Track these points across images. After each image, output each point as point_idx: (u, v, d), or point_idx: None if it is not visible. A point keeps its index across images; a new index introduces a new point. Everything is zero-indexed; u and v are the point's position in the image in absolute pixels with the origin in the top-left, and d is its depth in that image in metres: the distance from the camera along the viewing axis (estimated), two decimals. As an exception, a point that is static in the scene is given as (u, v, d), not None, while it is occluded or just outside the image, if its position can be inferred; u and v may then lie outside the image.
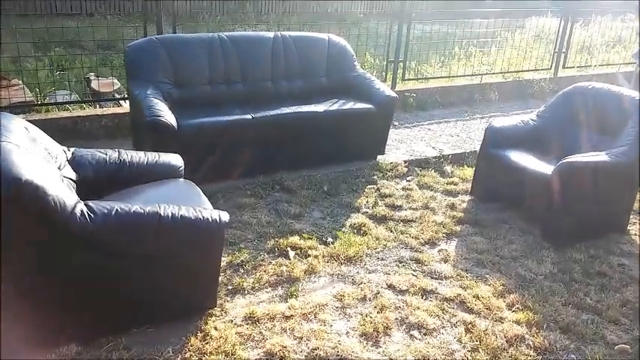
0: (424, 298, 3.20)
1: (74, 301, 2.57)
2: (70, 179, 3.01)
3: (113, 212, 2.49)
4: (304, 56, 5.18)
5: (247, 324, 2.90)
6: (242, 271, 3.37)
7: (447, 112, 6.75)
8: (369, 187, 4.66)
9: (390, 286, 3.28)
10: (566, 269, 3.59)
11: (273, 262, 3.48)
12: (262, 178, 4.55)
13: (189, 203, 2.85)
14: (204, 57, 4.77)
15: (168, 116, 4.05)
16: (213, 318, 2.92)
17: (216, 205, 4.01)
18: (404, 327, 2.95)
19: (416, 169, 5.10)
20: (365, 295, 3.18)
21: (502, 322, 3.02)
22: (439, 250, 3.75)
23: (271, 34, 5.14)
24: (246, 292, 3.19)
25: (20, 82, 5.83)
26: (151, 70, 4.53)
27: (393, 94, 4.95)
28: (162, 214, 2.56)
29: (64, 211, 2.35)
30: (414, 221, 4.13)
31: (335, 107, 4.77)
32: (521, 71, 7.73)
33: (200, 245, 2.71)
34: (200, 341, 2.74)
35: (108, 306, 2.67)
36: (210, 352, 2.67)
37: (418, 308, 3.08)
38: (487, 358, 2.75)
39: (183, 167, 3.46)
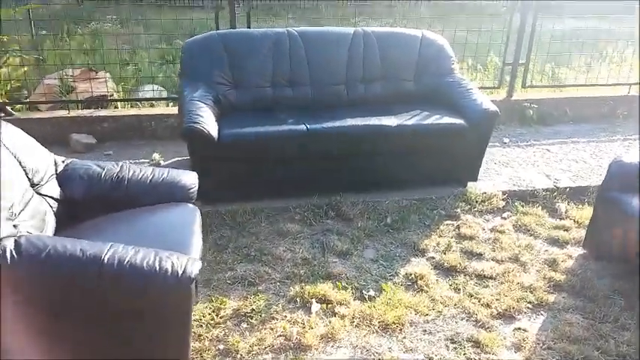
0: (469, 405, 2.29)
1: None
2: (51, 197, 2.58)
3: (43, 253, 1.96)
4: (388, 56, 4.36)
5: (220, 407, 2.24)
6: (246, 326, 2.73)
7: (577, 130, 5.48)
8: (447, 222, 3.75)
9: (426, 379, 2.41)
10: None
11: (289, 316, 2.79)
12: (317, 201, 3.85)
13: (170, 242, 2.26)
14: (269, 55, 4.18)
15: (207, 124, 3.52)
16: (182, 391, 2.29)
17: (258, 229, 3.47)
18: None
19: (517, 203, 4.07)
20: (386, 387, 2.36)
21: None
22: (515, 330, 2.78)
23: (351, 30, 4.39)
24: (239, 356, 2.53)
25: (108, 74, 5.71)
26: (207, 69, 4.05)
27: (493, 109, 3.94)
28: (105, 261, 1.99)
29: (-23, 251, 1.87)
30: (494, 279, 3.18)
31: (413, 121, 3.90)
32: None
33: (158, 303, 2.09)
34: (152, 423, 2.13)
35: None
36: None
37: (455, 421, 2.19)
38: None
39: (194, 188, 2.88)
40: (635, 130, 5.43)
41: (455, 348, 2.63)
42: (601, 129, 5.51)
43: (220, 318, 2.78)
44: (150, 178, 2.81)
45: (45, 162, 2.64)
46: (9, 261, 1.91)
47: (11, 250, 1.94)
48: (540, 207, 4.03)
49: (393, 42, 4.41)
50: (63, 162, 2.74)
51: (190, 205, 2.79)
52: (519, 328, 2.79)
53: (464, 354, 2.58)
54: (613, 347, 2.66)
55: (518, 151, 4.96)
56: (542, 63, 6.24)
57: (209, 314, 2.79)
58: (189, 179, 2.88)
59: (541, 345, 2.66)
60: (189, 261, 2.12)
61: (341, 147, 3.78)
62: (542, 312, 2.93)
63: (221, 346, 2.59)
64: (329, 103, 4.19)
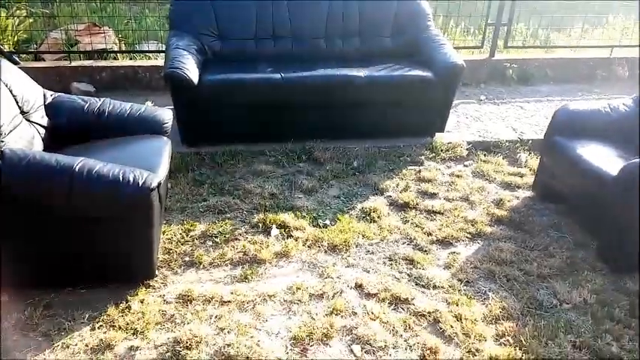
0: (392, 307, 2.65)
1: (3, 250, 2.49)
2: (38, 124, 2.95)
3: (24, 161, 2.34)
4: (367, 13, 4.61)
5: (177, 303, 2.63)
6: (210, 244, 3.09)
7: (555, 89, 5.68)
8: (410, 167, 4.05)
9: (359, 287, 2.77)
10: (608, 301, 2.75)
11: (250, 238, 3.14)
12: (291, 146, 4.18)
13: (139, 164, 2.61)
14: (252, 9, 4.46)
15: (188, 69, 3.84)
16: (147, 290, 2.69)
17: (234, 169, 3.80)
18: (347, 338, 2.45)
19: (480, 152, 4.34)
20: (324, 293, 2.72)
21: (474, 355, 2.37)
22: (450, 253, 3.10)
23: (332, -14, 4.63)
24: (202, 266, 2.91)
25: (110, 30, 6.05)
26: (193, 21, 4.35)
27: (459, 62, 4.18)
28: (76, 170, 2.36)
29: (-33, 156, 2.24)
30: (442, 214, 3.49)
31: (382, 73, 4.17)
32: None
33: (122, 209, 2.46)
34: (118, 312, 2.54)
35: (39, 261, 2.57)
36: (120, 327, 2.46)
37: (377, 319, 2.55)
38: (428, 399, 2.16)
39: (169, 123, 3.23)
40: (612, 91, 5.60)
41: (390, 264, 2.96)
42: (579, 89, 5.70)
43: (189, 237, 3.14)
44: (128, 112, 3.16)
45: (35, 94, 3.00)
46: (-5, 166, 2.28)
47: (-3, 158, 2.30)
48: (502, 156, 4.30)
49: (371, -1, 4.64)
50: (51, 95, 3.10)
51: (164, 138, 3.13)
52: (453, 252, 3.11)
53: (397, 269, 2.92)
54: (535, 269, 2.97)
55: (492, 108, 5.20)
56: (530, 25, 6.42)
57: (180, 234, 3.16)
58: (164, 115, 3.22)
59: (469, 264, 2.98)
60: (149, 175, 2.48)
61: (313, 95, 4.06)
62: (479, 241, 3.24)
63: (187, 259, 2.96)
64: (308, 56, 4.45)
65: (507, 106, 5.24)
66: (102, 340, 2.37)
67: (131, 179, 2.40)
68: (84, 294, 2.65)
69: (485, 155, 4.31)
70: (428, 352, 2.38)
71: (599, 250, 3.12)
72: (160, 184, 2.53)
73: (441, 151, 4.29)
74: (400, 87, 4.18)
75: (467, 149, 4.35)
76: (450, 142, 4.39)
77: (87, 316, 2.52)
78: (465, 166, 4.18)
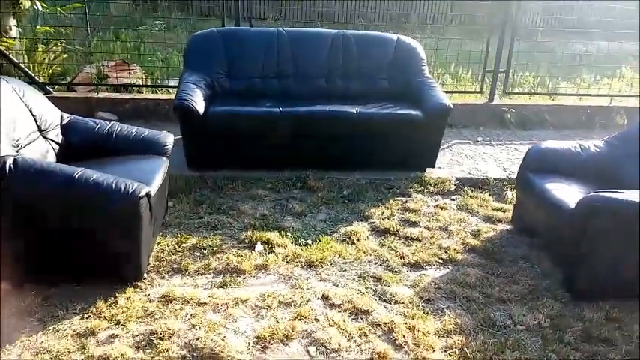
0: (352, 317, 2.87)
1: (6, 247, 2.84)
2: (54, 141, 3.35)
3: (33, 169, 2.71)
4: (365, 56, 4.99)
5: (159, 302, 2.91)
6: (198, 254, 3.39)
7: (552, 135, 5.89)
8: (397, 199, 4.31)
9: (325, 298, 3.01)
10: (562, 325, 2.91)
11: (235, 251, 3.43)
12: (287, 174, 4.50)
13: (135, 178, 2.96)
14: (260, 50, 4.89)
15: (195, 102, 4.24)
16: (134, 289, 2.99)
17: (233, 193, 4.13)
18: (306, 340, 2.69)
19: (467, 189, 4.57)
20: (292, 301, 2.97)
21: (421, 363, 2.57)
22: (419, 275, 3.32)
23: (333, 32, 5.05)
24: (187, 273, 3.20)
25: (137, 67, 6.60)
26: (205, 59, 4.80)
27: (447, 103, 4.49)
28: (75, 177, 2.72)
29: (-14, 162, 2.63)
30: (419, 240, 3.72)
31: (373, 110, 4.50)
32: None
33: (113, 213, 2.79)
34: (106, 306, 2.84)
35: (41, 257, 2.91)
36: (105, 317, 2.75)
37: (335, 325, 2.78)
38: (369, 396, 2.37)
39: (170, 145, 3.60)
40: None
41: (359, 280, 3.19)
42: (576, 134, 5.89)
43: (180, 248, 3.45)
44: (133, 134, 3.55)
45: (53, 115, 3.42)
46: (7, 171, 2.66)
47: (10, 165, 2.69)
48: (489, 193, 4.52)
49: (370, 44, 5.04)
50: (67, 117, 3.52)
51: (163, 158, 3.50)
52: (422, 274, 3.32)
53: (364, 285, 3.15)
54: (496, 293, 3.16)
55: (487, 149, 5.44)
56: (542, 72, 6.69)
57: (172, 245, 3.47)
58: (165, 138, 3.60)
59: (433, 285, 3.19)
60: (139, 185, 2.82)
61: (308, 128, 4.40)
62: (449, 266, 3.45)
63: (175, 266, 3.26)
64: (310, 94, 4.83)
65: (502, 148, 5.48)
66: (88, 327, 2.67)
67: (122, 187, 2.75)
68: (79, 289, 2.96)
69: (472, 191, 4.53)
70: (377, 356, 2.59)
71: (563, 281, 3.28)
72: (149, 194, 2.87)
73: (430, 185, 4.54)
74: (390, 123, 4.49)
75: (455, 184, 4.59)
76: (440, 177, 4.64)
77: (79, 307, 2.82)
78: (451, 200, 4.42)
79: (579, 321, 2.96)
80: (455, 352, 2.64)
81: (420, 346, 2.67)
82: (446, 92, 5.87)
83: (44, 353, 2.50)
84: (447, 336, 2.77)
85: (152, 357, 2.52)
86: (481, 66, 5.92)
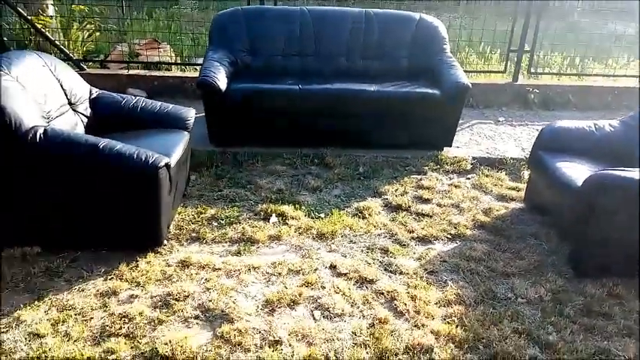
0: (357, 285, 3.01)
1: (38, 211, 3.07)
2: (83, 114, 3.56)
3: (60, 137, 2.92)
4: (386, 35, 5.05)
5: (177, 266, 3.10)
6: (216, 224, 3.57)
7: (575, 115, 5.83)
8: (412, 176, 4.40)
9: (332, 267, 3.15)
10: (564, 300, 2.98)
11: (251, 222, 3.59)
12: (306, 151, 4.63)
13: (157, 149, 3.14)
14: (282, 28, 4.99)
15: (218, 79, 4.39)
16: (155, 255, 3.19)
17: (253, 168, 4.30)
18: (312, 305, 2.84)
19: (484, 168, 4.62)
20: (301, 269, 3.12)
21: (419, 329, 2.69)
22: (426, 249, 3.42)
23: (356, 10, 5.11)
24: (205, 242, 3.39)
25: (168, 46, 6.80)
26: (229, 37, 4.93)
27: (465, 82, 4.52)
28: (100, 147, 2.91)
29: (19, 130, 2.84)
30: (430, 217, 3.81)
31: (391, 88, 4.57)
32: None
33: (134, 181, 2.98)
34: (128, 269, 3.04)
35: (69, 222, 3.13)
36: (127, 279, 2.96)
37: (340, 293, 2.92)
38: (367, 358, 2.51)
39: (192, 120, 3.77)
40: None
41: (367, 252, 3.32)
42: (600, 115, 5.80)
43: (200, 218, 3.63)
44: (158, 109, 3.72)
45: (82, 90, 3.63)
46: (37, 140, 2.86)
47: (41, 134, 2.89)
48: (505, 172, 4.57)
49: (391, 23, 5.08)
50: (96, 91, 3.72)
51: (184, 132, 3.67)
52: (429, 248, 3.43)
53: (371, 256, 3.28)
54: (500, 267, 3.24)
55: (508, 129, 5.45)
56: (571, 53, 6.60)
57: (192, 215, 3.66)
58: (188, 113, 3.77)
59: (438, 258, 3.30)
60: (159, 156, 3.00)
61: (327, 105, 4.51)
62: (457, 241, 3.54)
63: (194, 235, 3.45)
64: (330, 72, 4.92)
65: (523, 128, 5.47)
66: (110, 287, 2.88)
67: (143, 157, 2.93)
68: (104, 254, 3.17)
69: (488, 170, 4.58)
70: (377, 321, 2.72)
71: (569, 257, 3.34)
72: (168, 165, 3.04)
73: (446, 164, 4.61)
74: (407, 102, 4.55)
75: (471, 164, 4.64)
76: (456, 157, 4.70)
77: (102, 270, 3.04)
78: (467, 178, 4.48)
79: (581, 296, 3.02)
80: (454, 321, 2.75)
81: (420, 313, 2.79)
82: (469, 72, 5.94)
83: (69, 310, 2.72)
84: (448, 305, 2.88)
85: (168, 316, 2.71)
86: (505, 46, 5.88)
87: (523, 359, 2.54)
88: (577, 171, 3.36)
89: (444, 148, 4.80)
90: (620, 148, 3.63)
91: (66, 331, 2.57)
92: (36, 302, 2.75)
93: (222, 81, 4.41)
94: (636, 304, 2.99)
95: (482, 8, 10.96)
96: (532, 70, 6.08)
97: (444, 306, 2.88)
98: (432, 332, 2.67)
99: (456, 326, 2.71)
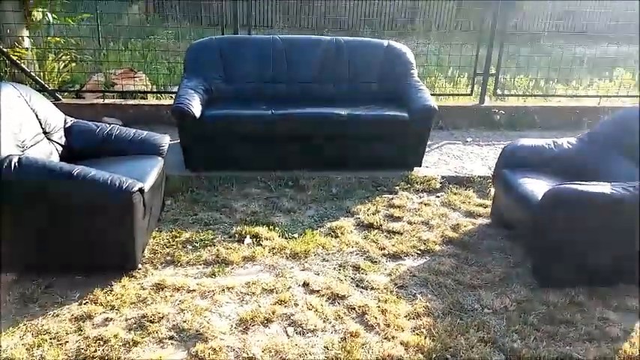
0: (329, 302, 3.09)
1: (15, 236, 3.10)
2: (57, 142, 3.63)
3: (35, 166, 2.98)
4: (356, 61, 5.22)
5: (152, 289, 3.16)
6: (190, 247, 3.63)
7: (540, 134, 6.04)
8: (384, 196, 4.52)
9: (305, 285, 3.23)
10: (528, 309, 3.10)
11: (225, 244, 3.66)
12: (280, 174, 4.73)
13: (131, 175, 3.21)
14: (255, 56, 5.14)
15: (192, 106, 4.50)
16: (129, 279, 3.24)
17: (228, 192, 4.37)
18: (285, 322, 2.91)
19: (452, 186, 4.77)
20: (275, 288, 3.20)
21: (389, 341, 2.78)
22: (397, 265, 3.53)
23: (327, 38, 5.29)
24: (180, 265, 3.44)
25: (144, 75, 6.91)
26: (203, 66, 5.06)
27: (431, 104, 4.70)
28: (74, 174, 2.98)
29: (-6, 160, 2.90)
30: (400, 234, 3.93)
31: (362, 112, 4.72)
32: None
33: (109, 206, 3.05)
34: (103, 293, 3.09)
35: (44, 248, 3.18)
36: (101, 303, 3.00)
37: (313, 309, 3.00)
38: (339, 370, 2.59)
39: (166, 146, 3.85)
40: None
41: (340, 270, 3.41)
42: (564, 135, 6.01)
43: (174, 242, 3.69)
44: (131, 136, 3.81)
45: (57, 119, 3.70)
46: (12, 168, 2.93)
47: (15, 162, 2.96)
48: (472, 190, 4.72)
49: (360, 49, 5.27)
50: (70, 120, 3.79)
51: (159, 158, 3.75)
52: (400, 264, 3.53)
53: (344, 273, 3.37)
54: (467, 280, 3.36)
55: (475, 149, 5.64)
56: (528, 75, 6.88)
57: (167, 239, 3.72)
58: (162, 140, 3.86)
59: (408, 273, 3.40)
60: (132, 181, 3.08)
61: (299, 129, 4.64)
62: (426, 256, 3.66)
63: (168, 258, 3.51)
64: (302, 98, 5.06)
65: (490, 148, 5.66)
66: (85, 312, 2.92)
67: (117, 183, 3.01)
68: (78, 280, 3.21)
69: (457, 188, 4.73)
70: (349, 335, 2.80)
71: (533, 269, 3.47)
72: (142, 190, 3.12)
73: (416, 183, 4.75)
74: (378, 125, 4.71)
75: (440, 182, 4.79)
76: (426, 176, 4.85)
77: (77, 295, 3.08)
78: (436, 197, 4.62)
79: (544, 305, 3.14)
80: (422, 332, 2.85)
81: (390, 326, 2.88)
82: (438, 95, 6.14)
83: (44, 334, 2.75)
84: (417, 318, 2.97)
85: (142, 337, 2.76)
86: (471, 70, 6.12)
87: (487, 366, 2.62)
88: (537, 186, 3.51)
89: (415, 168, 4.95)
90: (577, 163, 3.81)
91: (41, 355, 2.60)
92: (10, 328, 2.78)
93: (196, 107, 4.52)
94: (597, 310, 3.11)
95: (454, 35, 11.32)
96: (498, 92, 6.30)
97: (413, 318, 2.97)
98: (401, 344, 2.76)
99: (425, 337, 2.80)
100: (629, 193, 3.11)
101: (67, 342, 2.70)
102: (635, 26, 7.48)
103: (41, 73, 6.12)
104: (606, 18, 7.98)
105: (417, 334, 2.83)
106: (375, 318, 2.94)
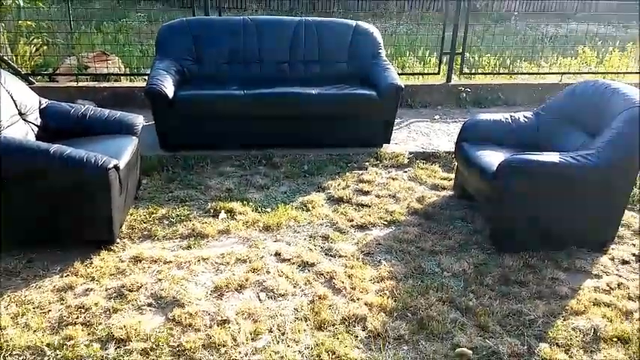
0: (300, 269, 3.29)
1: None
2: (33, 123, 3.73)
3: (13, 145, 3.10)
4: (325, 42, 5.37)
5: (129, 261, 3.31)
6: (167, 223, 3.79)
7: (504, 111, 6.27)
8: (354, 172, 4.71)
9: (277, 254, 3.42)
10: (484, 272, 3.33)
11: (200, 219, 3.82)
12: (254, 152, 4.88)
13: (106, 153, 3.34)
14: (226, 38, 5.25)
15: (165, 87, 4.61)
16: (107, 252, 3.38)
17: (203, 170, 4.51)
18: (258, 288, 3.10)
19: (420, 161, 4.98)
20: (248, 258, 3.38)
21: (355, 302, 2.98)
22: (364, 234, 3.73)
23: (297, 19, 5.42)
24: (156, 239, 3.60)
25: (116, 57, 6.96)
26: (175, 47, 5.16)
27: (398, 83, 4.89)
28: (50, 152, 3.10)
29: (-28, 139, 3.01)
30: (368, 206, 4.12)
31: (331, 91, 4.88)
32: (618, 73, 6.81)
33: (86, 183, 3.18)
34: (83, 266, 3.23)
35: (23, 225, 3.30)
36: (82, 275, 3.15)
37: (283, 276, 3.19)
38: (307, 328, 2.78)
39: (139, 126, 3.97)
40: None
41: (310, 240, 3.60)
42: (526, 110, 6.29)
43: (151, 218, 3.84)
44: (105, 116, 3.92)
45: (32, 100, 3.79)
46: (-8, 147, 3.04)
47: (-6, 142, 3.06)
48: (438, 165, 4.94)
49: (328, 30, 5.41)
50: (45, 102, 3.89)
51: (133, 137, 3.87)
52: (367, 234, 3.74)
53: (313, 243, 3.56)
54: (429, 246, 3.58)
55: (442, 125, 5.86)
56: (496, 54, 7.11)
57: (144, 216, 3.86)
58: (135, 119, 3.98)
59: (374, 242, 3.61)
60: (107, 158, 3.21)
61: (270, 109, 4.79)
62: (392, 226, 3.86)
63: (145, 233, 3.66)
64: (274, 78, 5.19)
65: (456, 125, 5.87)
66: (66, 283, 3.07)
67: (92, 160, 3.14)
68: (58, 254, 3.35)
69: (423, 163, 4.94)
70: (317, 298, 3.00)
71: (490, 235, 3.70)
72: (117, 166, 3.25)
73: (385, 159, 4.95)
74: (347, 103, 4.88)
75: (408, 158, 5.00)
76: (394, 152, 5.04)
77: (58, 268, 3.22)
78: (404, 172, 4.82)
79: (500, 268, 3.38)
80: (385, 294, 3.06)
81: (356, 289, 3.09)
82: (407, 74, 6.32)
83: (28, 304, 2.89)
84: (381, 281, 3.18)
85: (122, 305, 2.92)
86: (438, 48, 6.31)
87: (445, 322, 2.85)
88: (494, 158, 3.72)
89: (383, 145, 5.14)
90: (532, 135, 4.04)
91: (25, 322, 2.75)
92: (-6, 300, 2.91)
93: (169, 88, 4.63)
94: (548, 272, 3.36)
95: (428, 17, 11.53)
96: (465, 71, 6.51)
97: (378, 282, 3.19)
98: (365, 304, 2.96)
99: (388, 298, 3.02)
100: (576, 161, 3.34)
101: (49, 310, 2.84)
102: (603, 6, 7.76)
103: (13, 57, 6.14)
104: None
105: (381, 296, 3.04)
106: (342, 282, 3.14)
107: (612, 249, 3.63)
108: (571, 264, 3.45)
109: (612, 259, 3.53)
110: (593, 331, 2.84)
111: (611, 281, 3.28)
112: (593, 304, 3.05)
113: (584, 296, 3.14)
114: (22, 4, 6.25)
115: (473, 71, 7.00)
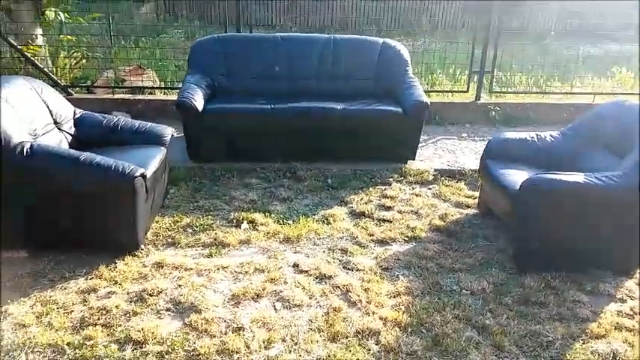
0: (316, 281, 3.31)
1: (25, 218, 3.36)
2: (67, 132, 3.88)
3: (46, 152, 3.24)
4: (352, 59, 5.43)
5: (152, 267, 3.40)
6: (190, 231, 3.87)
7: (534, 130, 6.20)
8: (377, 187, 4.73)
9: (295, 265, 3.45)
10: (503, 291, 3.29)
11: (223, 229, 3.90)
12: (279, 165, 4.96)
13: (134, 162, 3.45)
14: (256, 54, 5.37)
15: (195, 100, 4.74)
16: (132, 258, 3.48)
17: (229, 182, 4.61)
18: (274, 298, 3.13)
19: (445, 178, 4.96)
20: (267, 268, 3.42)
21: (369, 316, 2.99)
22: (384, 249, 3.74)
23: (325, 36, 5.51)
24: (179, 246, 3.68)
25: (152, 72, 7.18)
26: (206, 62, 5.31)
27: (424, 100, 4.90)
28: (81, 159, 3.23)
29: (8, 145, 3.16)
30: (390, 222, 4.13)
31: (357, 106, 4.93)
32: (654, 95, 6.66)
33: (113, 190, 3.29)
34: (107, 270, 3.33)
35: (53, 228, 3.43)
36: (105, 278, 3.25)
37: (300, 287, 3.22)
38: (320, 340, 2.80)
39: (168, 137, 4.09)
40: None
41: (329, 253, 3.63)
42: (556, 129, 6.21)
43: (176, 226, 3.93)
44: (136, 127, 4.06)
45: (67, 110, 3.96)
46: (24, 153, 3.18)
47: (27, 148, 3.21)
48: (464, 182, 4.91)
49: (357, 47, 5.48)
50: (79, 112, 4.05)
51: (161, 147, 3.99)
52: (387, 249, 3.74)
53: (332, 256, 3.58)
54: (449, 264, 3.55)
55: (470, 143, 5.82)
56: (529, 73, 7.06)
57: (168, 224, 3.96)
58: (164, 130, 4.10)
59: (393, 257, 3.61)
60: (134, 167, 3.32)
61: (297, 123, 4.86)
62: (412, 242, 3.86)
63: (169, 240, 3.75)
64: (301, 93, 5.27)
65: (484, 143, 5.78)
66: (90, 285, 3.17)
67: (120, 168, 3.25)
68: (85, 257, 3.46)
69: (448, 181, 4.92)
70: (332, 310, 3.02)
71: (514, 254, 3.65)
72: (144, 175, 3.36)
73: (409, 175, 4.95)
74: (372, 119, 4.92)
75: (433, 175, 4.99)
76: (419, 169, 5.04)
77: (84, 271, 3.33)
78: (428, 188, 4.81)
79: (520, 288, 3.33)
80: (401, 309, 3.06)
81: (371, 303, 3.09)
82: (433, 91, 6.33)
83: (52, 304, 3.00)
84: (397, 296, 3.18)
85: (142, 308, 2.99)
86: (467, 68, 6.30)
87: (460, 340, 2.82)
88: (517, 176, 3.70)
89: (408, 161, 5.15)
90: (558, 155, 3.99)
91: (49, 321, 2.85)
92: (22, 298, 3.03)
93: (199, 102, 4.76)
94: (570, 294, 3.29)
95: (460, 34, 11.49)
96: (495, 89, 6.47)
97: (394, 297, 3.18)
98: (380, 318, 2.96)
99: (403, 313, 3.01)
100: (601, 182, 3.29)
101: (72, 311, 2.94)
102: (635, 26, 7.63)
103: (54, 70, 6.40)
104: (614, 18, 8.10)
105: (396, 311, 3.04)
106: (358, 295, 3.15)
107: (639, 273, 3.53)
108: (594, 287, 3.38)
109: (638, 283, 3.44)
110: (612, 355, 2.77)
111: (634, 306, 3.20)
112: (615, 329, 2.98)
113: (605, 320, 3.07)
114: (63, 19, 6.54)
115: (503, 90, 6.94)
